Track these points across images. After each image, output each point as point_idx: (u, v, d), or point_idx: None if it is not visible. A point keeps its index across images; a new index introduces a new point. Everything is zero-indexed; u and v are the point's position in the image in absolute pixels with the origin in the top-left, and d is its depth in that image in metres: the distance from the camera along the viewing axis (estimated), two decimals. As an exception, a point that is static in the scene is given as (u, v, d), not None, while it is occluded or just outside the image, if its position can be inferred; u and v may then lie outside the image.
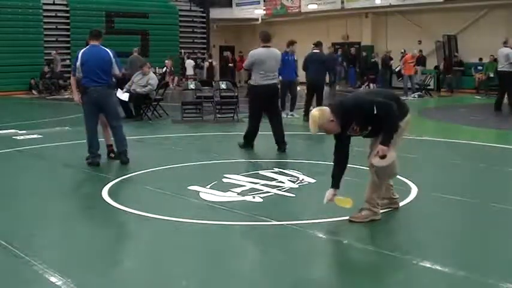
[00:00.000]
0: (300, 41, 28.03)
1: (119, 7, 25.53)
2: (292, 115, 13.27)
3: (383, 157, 4.73)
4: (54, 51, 22.78)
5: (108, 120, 7.78)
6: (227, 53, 29.37)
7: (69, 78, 22.89)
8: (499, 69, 14.40)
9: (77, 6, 24.44)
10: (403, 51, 22.50)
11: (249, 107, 9.22)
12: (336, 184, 4.95)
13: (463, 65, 22.27)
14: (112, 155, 7.98)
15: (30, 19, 23.52)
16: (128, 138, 7.90)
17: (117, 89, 10.11)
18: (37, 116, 14.99)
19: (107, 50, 7.63)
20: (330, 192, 4.94)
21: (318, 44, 13.20)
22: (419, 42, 23.84)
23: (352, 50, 25.09)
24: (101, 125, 7.93)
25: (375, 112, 4.63)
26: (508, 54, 13.94)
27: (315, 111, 4.83)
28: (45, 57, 23.63)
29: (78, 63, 7.46)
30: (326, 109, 4.80)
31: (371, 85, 22.47)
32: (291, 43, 13.28)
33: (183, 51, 27.02)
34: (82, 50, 7.57)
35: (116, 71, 7.68)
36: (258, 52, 8.76)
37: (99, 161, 7.56)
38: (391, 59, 22.99)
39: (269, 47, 8.78)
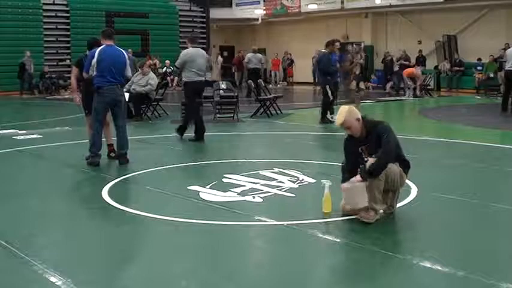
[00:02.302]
0: (300, 41, 28.31)
1: (118, 7, 25.56)
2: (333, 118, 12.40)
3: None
4: (29, 51, 22.12)
5: (116, 120, 7.76)
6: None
7: (69, 78, 22.91)
8: (506, 69, 14.43)
9: (77, 6, 24.47)
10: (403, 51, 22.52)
11: (187, 101, 10.25)
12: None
13: (463, 65, 22.30)
14: (112, 154, 7.98)
15: (30, 19, 23.55)
16: (128, 138, 7.89)
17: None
18: (37, 116, 15.00)
19: (122, 50, 7.70)
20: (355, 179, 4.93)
21: (327, 44, 12.52)
22: (419, 42, 23.86)
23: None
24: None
25: (384, 137, 4.81)
26: None
27: (345, 106, 5.09)
28: (45, 57, 23.66)
29: (95, 60, 7.41)
30: (356, 109, 5.04)
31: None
32: (334, 41, 12.69)
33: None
34: (99, 48, 7.51)
35: (129, 72, 7.78)
36: (189, 52, 9.81)
37: (99, 161, 7.55)
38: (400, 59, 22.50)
39: (197, 47, 10.04)
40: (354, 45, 13.03)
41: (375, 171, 4.77)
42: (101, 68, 7.40)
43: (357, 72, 13.08)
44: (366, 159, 4.89)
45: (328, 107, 12.20)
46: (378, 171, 4.78)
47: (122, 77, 7.63)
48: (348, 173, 5.08)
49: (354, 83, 12.89)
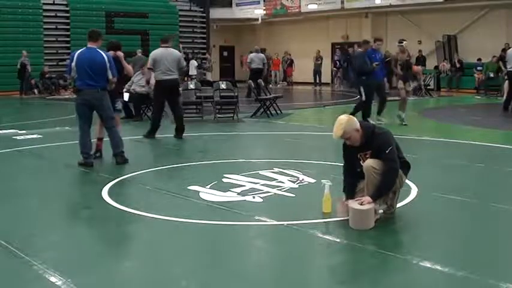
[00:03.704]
0: (300, 41, 28.27)
1: (119, 7, 25.56)
2: (380, 120, 11.64)
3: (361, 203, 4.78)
4: (25, 51, 21.89)
5: (103, 122, 7.78)
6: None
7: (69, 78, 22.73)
8: (508, 70, 14.43)
9: (77, 6, 24.48)
10: (350, 48, 22.50)
11: (154, 100, 10.72)
12: (350, 195, 4.99)
13: (463, 65, 22.30)
14: (98, 154, 8.07)
15: (30, 19, 23.56)
16: (128, 138, 7.91)
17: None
18: (37, 116, 15.00)
19: (102, 53, 7.51)
20: (342, 204, 4.94)
21: (363, 43, 12.04)
22: (419, 42, 23.85)
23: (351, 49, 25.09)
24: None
25: (386, 152, 4.75)
26: None
27: (343, 116, 4.91)
28: (45, 57, 23.66)
29: (73, 63, 7.41)
30: (355, 118, 4.93)
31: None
32: (376, 40, 12.29)
33: (186, 49, 26.95)
34: (78, 51, 7.50)
35: (109, 75, 7.50)
36: (156, 52, 10.23)
37: (92, 162, 7.54)
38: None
39: (167, 47, 10.28)
40: (398, 44, 12.29)
41: (381, 194, 4.81)
42: (79, 71, 7.38)
43: (401, 72, 12.14)
44: (362, 165, 4.89)
45: (361, 109, 11.56)
46: (383, 195, 4.84)
47: (103, 80, 7.46)
48: (348, 177, 5.08)
49: (400, 82, 11.98)
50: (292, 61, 27.84)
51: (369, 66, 11.37)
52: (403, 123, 11.62)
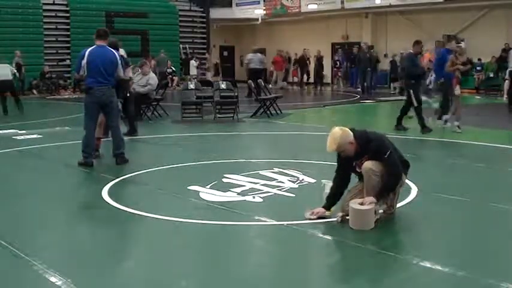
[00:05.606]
0: (300, 41, 28.22)
1: (119, 7, 25.54)
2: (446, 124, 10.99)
3: (362, 204, 4.76)
4: (19, 52, 21.34)
5: (108, 120, 7.78)
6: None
7: (69, 78, 22.83)
8: (509, 69, 14.41)
9: (77, 6, 24.47)
10: (402, 51, 22.47)
11: (131, 99, 10.55)
12: (328, 206, 4.95)
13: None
14: (97, 153, 8.05)
15: (30, 19, 23.54)
16: (127, 138, 7.90)
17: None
18: (37, 116, 14.99)
19: (113, 51, 7.65)
20: (319, 210, 4.90)
21: (415, 44, 11.28)
22: (419, 42, 23.81)
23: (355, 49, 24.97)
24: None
25: (385, 156, 4.71)
26: None
27: (337, 129, 4.80)
28: (45, 57, 23.65)
29: (84, 61, 7.42)
30: (348, 130, 4.82)
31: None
32: (450, 39, 11.62)
33: (187, 46, 26.77)
34: (89, 49, 7.51)
35: (120, 72, 7.72)
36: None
37: (92, 162, 7.54)
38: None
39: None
40: (456, 45, 11.23)
41: (384, 196, 4.81)
42: (90, 69, 7.40)
43: (460, 76, 10.86)
44: (359, 170, 4.87)
45: (405, 112, 10.87)
46: (385, 196, 4.83)
47: (112, 78, 7.56)
48: (338, 179, 5.00)
49: (458, 87, 10.70)
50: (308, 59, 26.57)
51: (419, 69, 10.83)
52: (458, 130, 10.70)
